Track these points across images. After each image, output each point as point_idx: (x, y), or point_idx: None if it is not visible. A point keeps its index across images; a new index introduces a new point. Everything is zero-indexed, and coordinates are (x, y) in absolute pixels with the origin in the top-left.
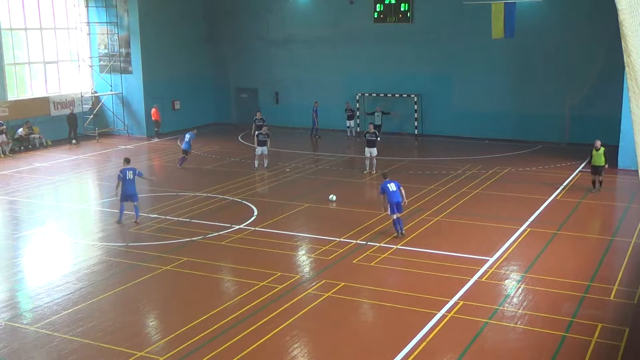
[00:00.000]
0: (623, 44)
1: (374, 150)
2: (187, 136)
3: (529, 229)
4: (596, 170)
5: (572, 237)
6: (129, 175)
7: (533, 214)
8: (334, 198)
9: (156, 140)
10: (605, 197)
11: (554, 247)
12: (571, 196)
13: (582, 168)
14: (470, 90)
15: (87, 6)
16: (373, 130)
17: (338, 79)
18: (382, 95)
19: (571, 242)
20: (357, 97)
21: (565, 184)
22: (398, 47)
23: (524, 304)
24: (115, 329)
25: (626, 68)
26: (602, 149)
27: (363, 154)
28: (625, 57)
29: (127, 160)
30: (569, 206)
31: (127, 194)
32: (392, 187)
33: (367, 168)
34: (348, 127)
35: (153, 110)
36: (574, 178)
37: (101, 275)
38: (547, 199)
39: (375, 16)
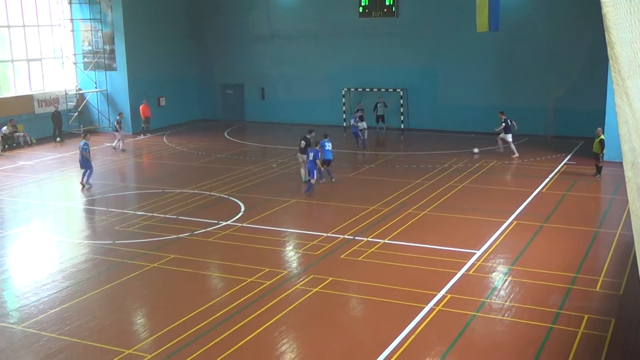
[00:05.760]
0: (607, 36)
1: (364, 124)
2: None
3: (515, 222)
4: (594, 156)
5: (558, 229)
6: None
7: (519, 206)
8: (477, 150)
9: (142, 137)
10: (591, 189)
11: (540, 240)
12: (557, 188)
13: (568, 160)
14: (456, 84)
15: (70, 3)
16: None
17: (324, 73)
18: (368, 90)
19: (557, 234)
20: (343, 92)
21: (550, 176)
22: (383, 42)
23: (511, 296)
24: (103, 327)
25: (610, 61)
26: (600, 137)
27: (352, 150)
28: (609, 49)
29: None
30: (554, 198)
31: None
32: (328, 145)
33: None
34: (361, 129)
35: (142, 106)
36: (559, 170)
37: (88, 273)
38: (533, 192)
39: (361, 11)
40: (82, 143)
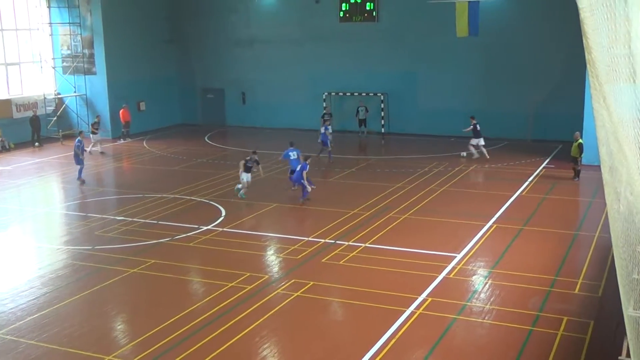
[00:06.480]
0: (584, 41)
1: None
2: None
3: (495, 225)
4: (572, 160)
5: (537, 233)
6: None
7: (499, 210)
8: (464, 154)
9: (122, 141)
10: (569, 192)
11: (520, 243)
12: (536, 192)
13: (546, 164)
14: (436, 88)
15: (49, 7)
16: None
17: (304, 78)
18: (349, 94)
19: (537, 237)
20: (324, 97)
21: (530, 179)
22: (364, 46)
23: (492, 299)
24: (82, 333)
25: (587, 65)
26: (579, 141)
27: (332, 154)
28: (586, 54)
29: (79, 132)
30: (534, 202)
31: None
32: (293, 155)
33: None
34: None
35: (122, 110)
36: (538, 174)
37: (67, 279)
38: (513, 195)
39: (341, 15)
40: (76, 140)
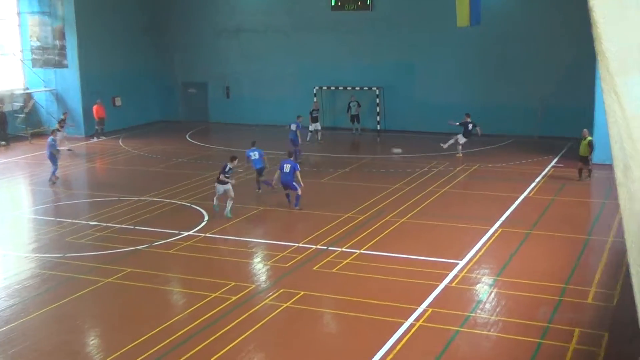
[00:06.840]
0: (593, 31)
1: (318, 125)
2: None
3: (500, 229)
4: (581, 159)
5: (546, 237)
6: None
7: (504, 213)
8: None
9: (95, 139)
10: (580, 193)
11: (527, 248)
12: (544, 193)
13: (555, 163)
14: (436, 82)
15: None
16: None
17: (294, 71)
18: (342, 88)
19: (545, 242)
20: (315, 91)
21: (537, 180)
22: (358, 37)
23: (497, 309)
24: (53, 348)
25: (597, 56)
26: (589, 138)
27: (324, 153)
28: (596, 45)
29: (52, 131)
30: (542, 204)
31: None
32: (254, 155)
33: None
34: (311, 131)
35: (95, 106)
36: (546, 174)
37: (35, 290)
38: (519, 197)
39: (333, 3)
40: (49, 139)
